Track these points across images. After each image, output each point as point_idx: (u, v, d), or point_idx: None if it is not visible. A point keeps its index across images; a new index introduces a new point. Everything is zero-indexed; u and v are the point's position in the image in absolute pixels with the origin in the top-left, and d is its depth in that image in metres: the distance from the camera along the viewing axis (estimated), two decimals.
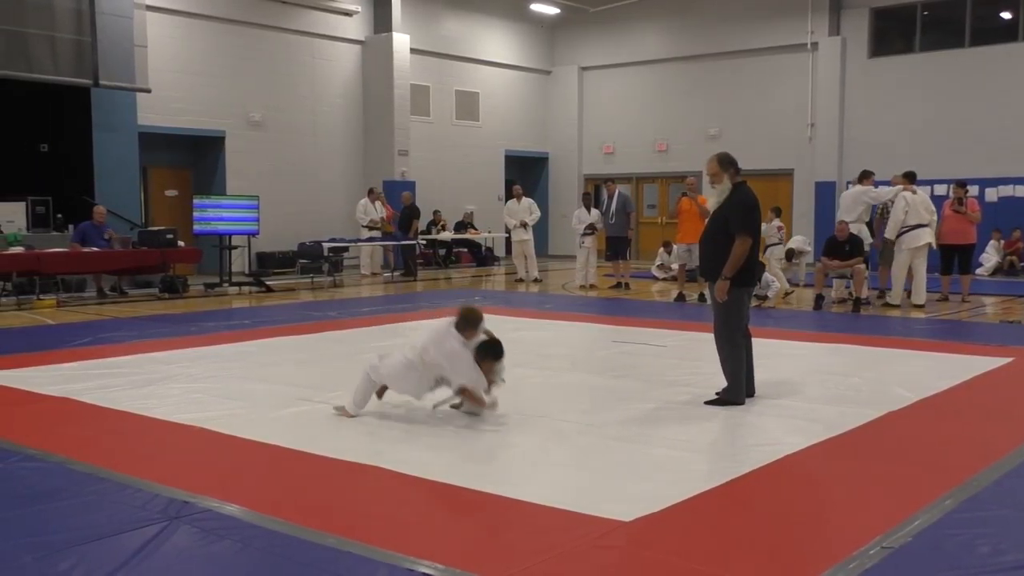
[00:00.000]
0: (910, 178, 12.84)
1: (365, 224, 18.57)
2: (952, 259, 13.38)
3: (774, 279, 13.27)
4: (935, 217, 12.83)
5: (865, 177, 13.17)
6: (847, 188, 15.38)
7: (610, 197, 15.65)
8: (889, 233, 12.78)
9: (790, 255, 14.72)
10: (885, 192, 12.81)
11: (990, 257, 18.04)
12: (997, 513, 4.32)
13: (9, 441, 5.52)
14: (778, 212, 15.66)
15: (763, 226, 14.44)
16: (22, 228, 14.53)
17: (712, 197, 6.66)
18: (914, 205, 12.51)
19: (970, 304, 13.18)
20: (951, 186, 14.16)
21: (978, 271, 16.84)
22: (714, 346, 6.68)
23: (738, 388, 6.50)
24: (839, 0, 20.65)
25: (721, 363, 6.57)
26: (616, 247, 15.68)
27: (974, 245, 13.59)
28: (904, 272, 12.65)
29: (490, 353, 5.85)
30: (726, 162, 6.50)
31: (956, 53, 19.37)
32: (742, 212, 6.41)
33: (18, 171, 15.19)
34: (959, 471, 4.93)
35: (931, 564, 3.71)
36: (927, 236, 12.56)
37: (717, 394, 6.56)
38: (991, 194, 18.46)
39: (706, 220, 6.89)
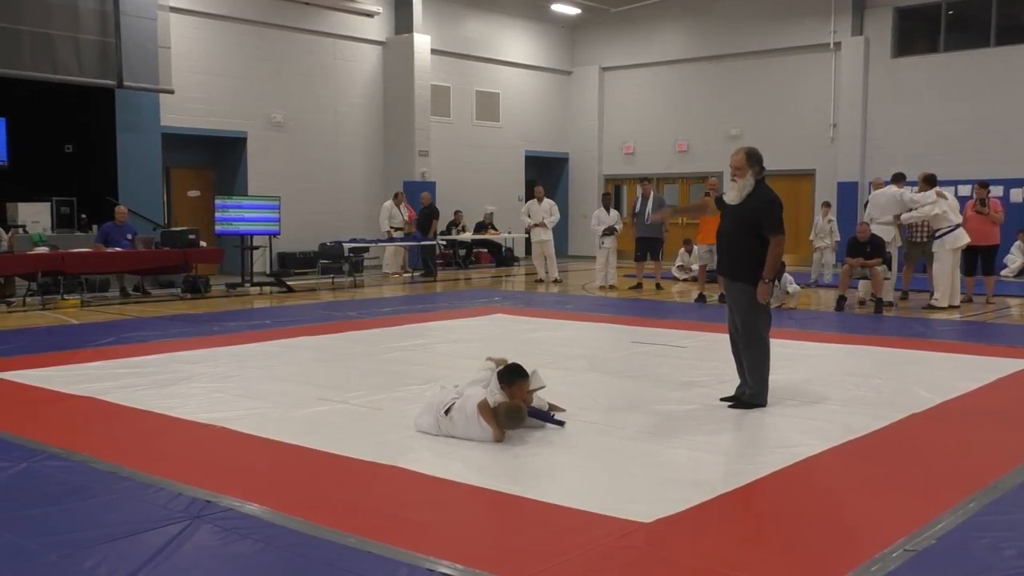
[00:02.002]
0: (930, 182, 12.73)
1: (387, 228, 18.56)
2: (975, 260, 13.30)
3: (792, 279, 13.19)
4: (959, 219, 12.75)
5: (899, 179, 13.08)
6: (868, 188, 15.35)
7: (645, 198, 15.39)
8: (906, 218, 12.59)
9: None
10: (924, 203, 12.57)
11: (1015, 258, 17.87)
12: (1022, 516, 4.28)
13: (34, 440, 5.57)
14: None
15: None
16: (47, 228, 14.66)
17: (732, 191, 6.41)
18: (950, 204, 12.46)
19: (994, 305, 13.08)
20: (974, 187, 14.05)
21: (1003, 272, 16.70)
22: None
23: (763, 391, 6.41)
24: (862, 0, 20.54)
25: (749, 365, 6.42)
26: (649, 248, 15.53)
27: (997, 246, 13.49)
28: (950, 273, 12.51)
29: (516, 375, 5.63)
30: (753, 158, 6.35)
31: (981, 53, 19.20)
32: (776, 212, 6.32)
33: (43, 171, 15.34)
34: (983, 473, 4.88)
35: (955, 567, 3.68)
36: (966, 237, 12.51)
37: (735, 397, 6.50)
38: (1016, 195, 18.30)
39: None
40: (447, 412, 5.54)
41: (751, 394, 6.39)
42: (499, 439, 5.39)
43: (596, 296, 15.16)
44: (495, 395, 5.53)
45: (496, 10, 23.10)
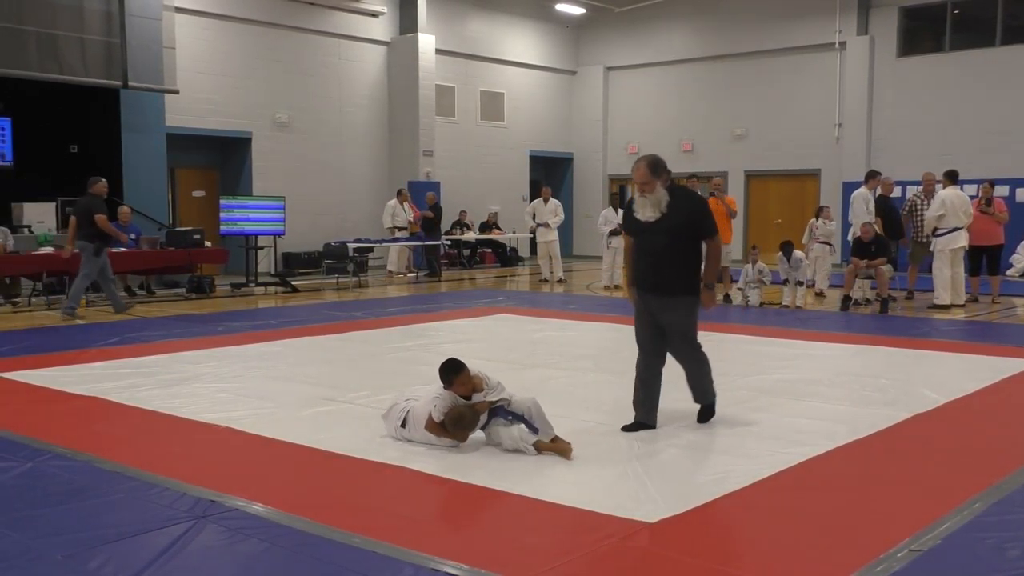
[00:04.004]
0: (951, 177, 12.80)
1: (389, 226, 18.56)
2: (980, 260, 13.30)
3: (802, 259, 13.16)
4: (970, 220, 12.75)
5: (871, 178, 13.12)
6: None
7: None
8: (926, 230, 12.74)
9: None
10: (859, 211, 12.73)
11: (1021, 258, 17.79)
12: None
13: (39, 440, 5.58)
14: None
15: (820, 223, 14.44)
16: (52, 228, 14.68)
17: (646, 208, 5.72)
18: (952, 206, 12.46)
19: (1000, 305, 13.05)
20: (979, 186, 14.04)
21: (1008, 272, 16.65)
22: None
23: (712, 388, 6.07)
24: None
25: (699, 375, 5.99)
26: None
27: (1002, 246, 13.50)
28: (948, 272, 12.55)
29: (449, 371, 5.35)
30: (657, 167, 5.70)
31: (987, 52, 19.15)
32: (710, 213, 5.95)
33: (48, 172, 15.35)
34: (988, 473, 4.88)
35: (960, 567, 3.68)
36: (963, 239, 12.54)
37: (637, 424, 5.89)
38: (1022, 194, 18.25)
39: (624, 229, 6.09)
40: (403, 424, 5.50)
41: (707, 395, 6.06)
42: (462, 441, 5.34)
43: (601, 296, 15.15)
44: (440, 402, 5.31)
45: (501, 10, 23.10)
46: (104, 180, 12.11)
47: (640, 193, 5.77)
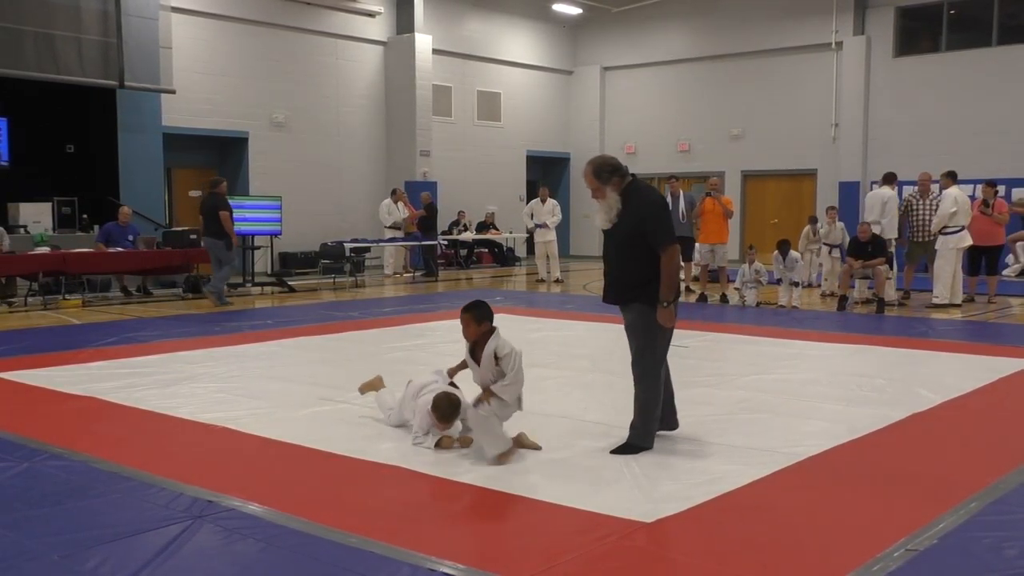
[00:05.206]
0: (953, 177, 12.88)
1: (388, 225, 18.59)
2: (979, 260, 13.33)
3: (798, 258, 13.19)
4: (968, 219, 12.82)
5: (890, 179, 13.16)
6: (871, 188, 15.35)
7: (675, 197, 14.23)
8: (934, 227, 12.77)
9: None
10: (880, 201, 12.93)
11: (1017, 258, 17.84)
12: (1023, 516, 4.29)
13: (35, 440, 5.57)
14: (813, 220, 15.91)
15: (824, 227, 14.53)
16: (48, 228, 14.67)
17: (600, 213, 5.32)
18: (963, 205, 12.53)
19: (996, 305, 13.07)
20: (979, 187, 14.06)
21: (1004, 272, 16.69)
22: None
23: (650, 431, 5.38)
24: None
25: (637, 399, 5.36)
26: (687, 249, 14.19)
27: (1002, 246, 13.54)
28: (952, 271, 12.60)
29: (464, 308, 5.29)
30: (604, 170, 5.24)
31: (983, 52, 19.19)
32: (665, 218, 5.33)
33: (45, 172, 15.34)
34: (984, 473, 4.88)
35: (956, 567, 3.68)
36: (969, 239, 12.62)
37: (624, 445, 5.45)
38: (1018, 194, 18.27)
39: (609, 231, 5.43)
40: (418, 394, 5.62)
41: (636, 434, 5.35)
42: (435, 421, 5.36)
43: (598, 296, 15.11)
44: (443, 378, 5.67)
45: (497, 10, 23.10)
46: (226, 181, 13.62)
47: (593, 197, 5.38)
